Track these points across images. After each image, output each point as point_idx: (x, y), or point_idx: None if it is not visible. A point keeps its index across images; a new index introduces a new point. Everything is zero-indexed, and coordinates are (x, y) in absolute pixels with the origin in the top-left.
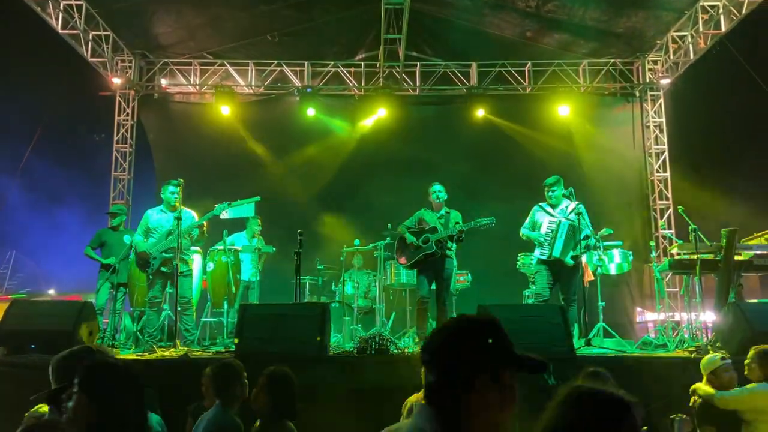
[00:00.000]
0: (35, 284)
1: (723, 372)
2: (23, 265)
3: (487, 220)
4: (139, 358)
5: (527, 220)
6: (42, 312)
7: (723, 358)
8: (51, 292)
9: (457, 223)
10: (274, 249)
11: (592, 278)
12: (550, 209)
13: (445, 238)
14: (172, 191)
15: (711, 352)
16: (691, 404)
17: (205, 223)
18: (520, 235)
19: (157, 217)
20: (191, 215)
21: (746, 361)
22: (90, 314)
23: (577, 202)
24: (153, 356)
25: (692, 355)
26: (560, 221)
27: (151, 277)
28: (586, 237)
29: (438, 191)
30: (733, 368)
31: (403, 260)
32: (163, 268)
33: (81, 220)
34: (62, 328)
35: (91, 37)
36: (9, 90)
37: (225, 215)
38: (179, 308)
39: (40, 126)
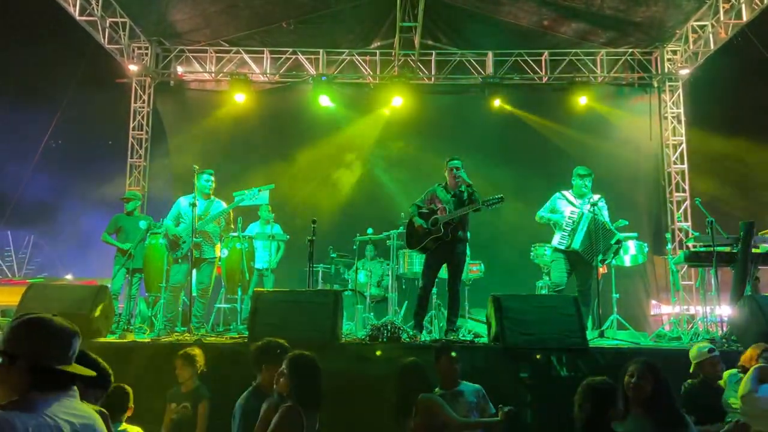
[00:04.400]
0: (53, 269)
1: (709, 365)
2: (41, 249)
3: (496, 198)
4: (154, 341)
5: (546, 205)
6: (58, 296)
7: (711, 350)
8: (68, 276)
9: (471, 202)
10: (288, 237)
11: (605, 271)
12: (572, 198)
13: (455, 220)
14: (207, 179)
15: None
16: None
17: (231, 212)
18: (537, 218)
19: (186, 204)
20: (221, 204)
21: (752, 354)
22: (105, 298)
23: (598, 195)
24: (167, 339)
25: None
26: (582, 213)
27: (180, 261)
28: (618, 242)
29: (455, 167)
30: (721, 361)
31: (411, 244)
32: (195, 252)
33: (98, 206)
34: (78, 312)
35: (108, 24)
36: (28, 76)
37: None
38: (197, 293)
39: (57, 112)
